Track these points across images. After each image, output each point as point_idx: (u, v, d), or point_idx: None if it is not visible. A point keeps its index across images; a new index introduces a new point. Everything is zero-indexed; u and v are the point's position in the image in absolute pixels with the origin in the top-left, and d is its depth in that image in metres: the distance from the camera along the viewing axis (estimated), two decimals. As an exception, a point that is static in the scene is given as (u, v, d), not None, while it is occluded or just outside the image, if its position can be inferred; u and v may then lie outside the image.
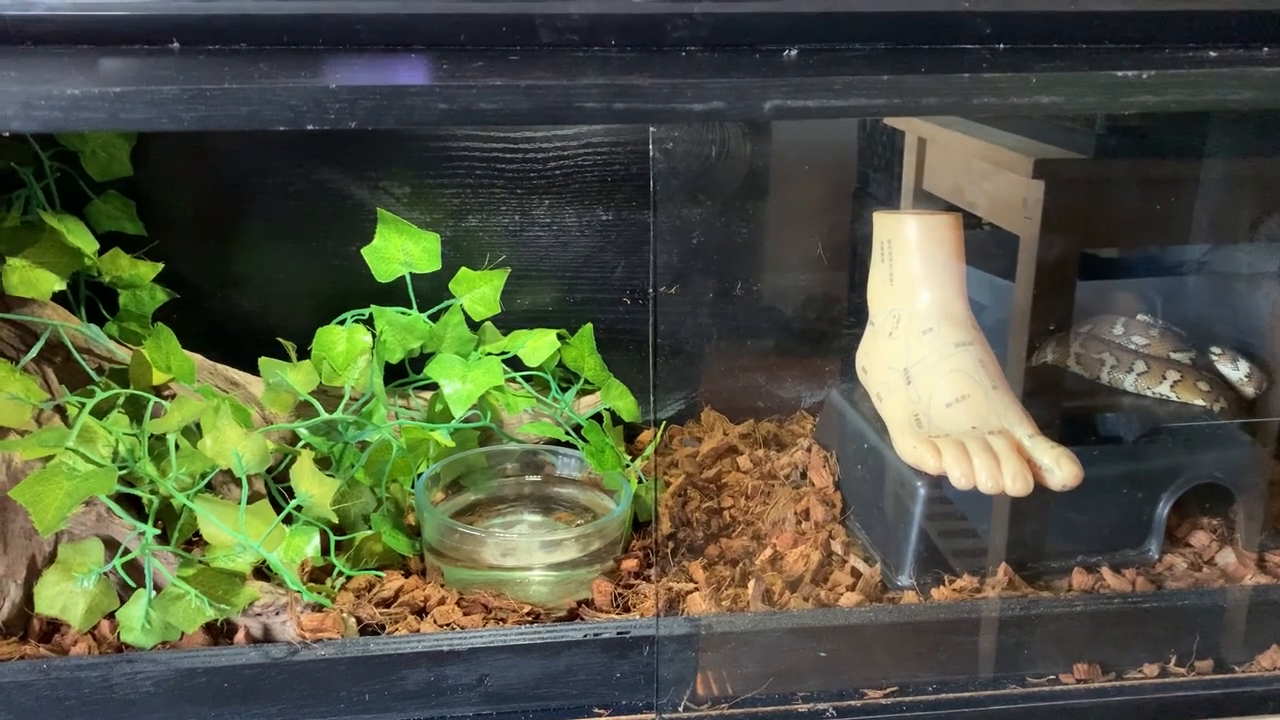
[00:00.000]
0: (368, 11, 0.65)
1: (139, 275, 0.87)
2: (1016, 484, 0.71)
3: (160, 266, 0.87)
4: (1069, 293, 0.93)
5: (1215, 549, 0.81)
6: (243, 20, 0.65)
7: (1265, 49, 0.68)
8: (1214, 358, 0.87)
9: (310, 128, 0.55)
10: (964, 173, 1.01)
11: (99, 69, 0.62)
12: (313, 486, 0.70)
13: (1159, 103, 0.59)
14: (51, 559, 0.72)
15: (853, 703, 0.70)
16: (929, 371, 0.79)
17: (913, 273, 0.82)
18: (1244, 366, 0.86)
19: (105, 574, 0.71)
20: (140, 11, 0.64)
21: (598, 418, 0.90)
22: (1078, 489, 0.72)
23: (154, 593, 0.70)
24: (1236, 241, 0.97)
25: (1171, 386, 0.86)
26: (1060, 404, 0.90)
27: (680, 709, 0.69)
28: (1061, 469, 0.72)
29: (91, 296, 0.88)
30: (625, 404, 0.91)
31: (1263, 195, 0.94)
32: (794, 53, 0.66)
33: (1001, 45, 0.69)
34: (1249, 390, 0.86)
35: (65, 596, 0.70)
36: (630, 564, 0.79)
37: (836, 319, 1.00)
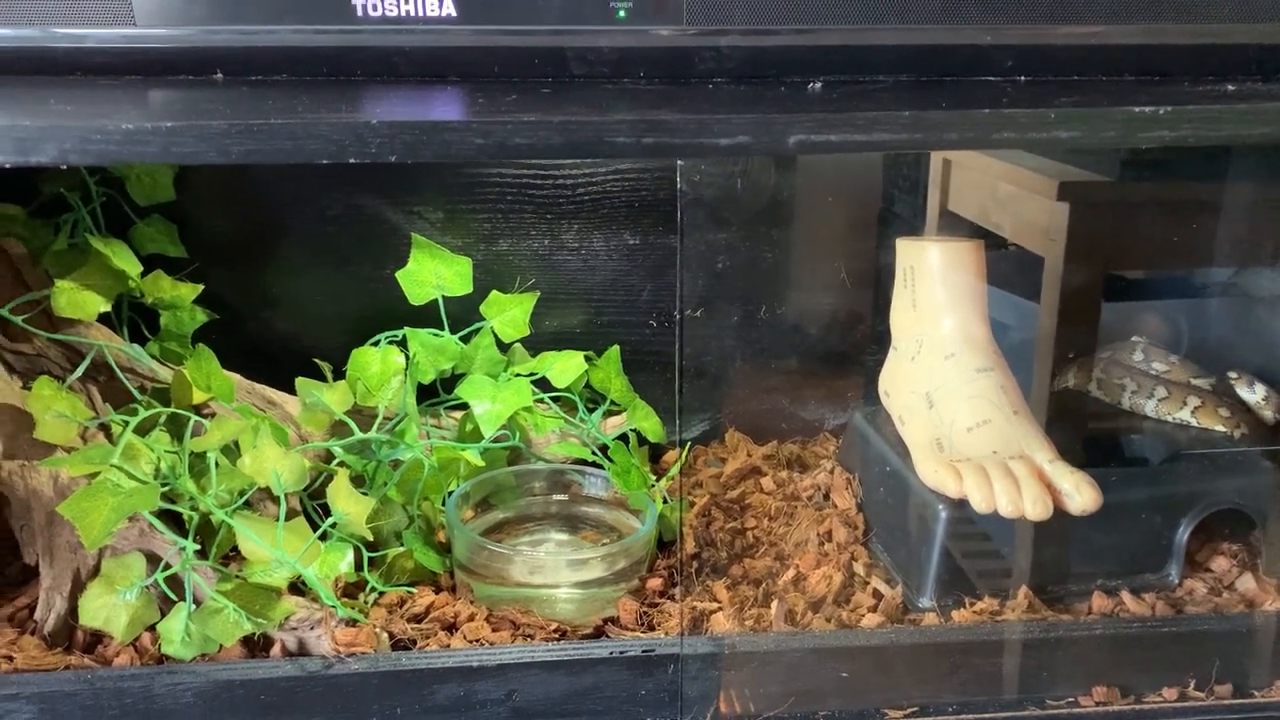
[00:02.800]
0: (404, 45, 0.68)
1: (180, 297, 0.90)
2: (1036, 509, 0.72)
3: (200, 288, 0.90)
4: (1094, 315, 0.94)
5: (1235, 574, 0.82)
6: (283, 52, 0.68)
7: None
8: (1231, 381, 0.88)
9: (351, 160, 0.57)
10: (989, 195, 1.02)
11: (148, 100, 0.65)
12: (349, 505, 0.73)
13: (1175, 138, 0.60)
14: (95, 573, 0.75)
15: (874, 722, 0.71)
16: (951, 396, 0.80)
17: (935, 298, 0.84)
18: (1260, 389, 0.87)
19: (147, 588, 0.73)
20: (186, 44, 0.67)
21: (623, 438, 0.92)
22: (1098, 513, 0.74)
23: (194, 606, 0.72)
24: (1259, 265, 0.98)
25: (1192, 412, 0.87)
26: (1082, 428, 0.91)
27: (704, 727, 0.71)
28: (1081, 494, 0.73)
29: (134, 317, 0.91)
30: (650, 425, 0.93)
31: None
32: (819, 85, 0.68)
33: (1023, 78, 0.70)
34: (1268, 414, 0.87)
35: (108, 609, 0.73)
36: (655, 583, 0.80)
37: (859, 342, 1.01)
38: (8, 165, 0.55)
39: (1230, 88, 0.67)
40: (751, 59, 0.69)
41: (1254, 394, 0.87)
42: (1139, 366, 0.91)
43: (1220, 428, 0.86)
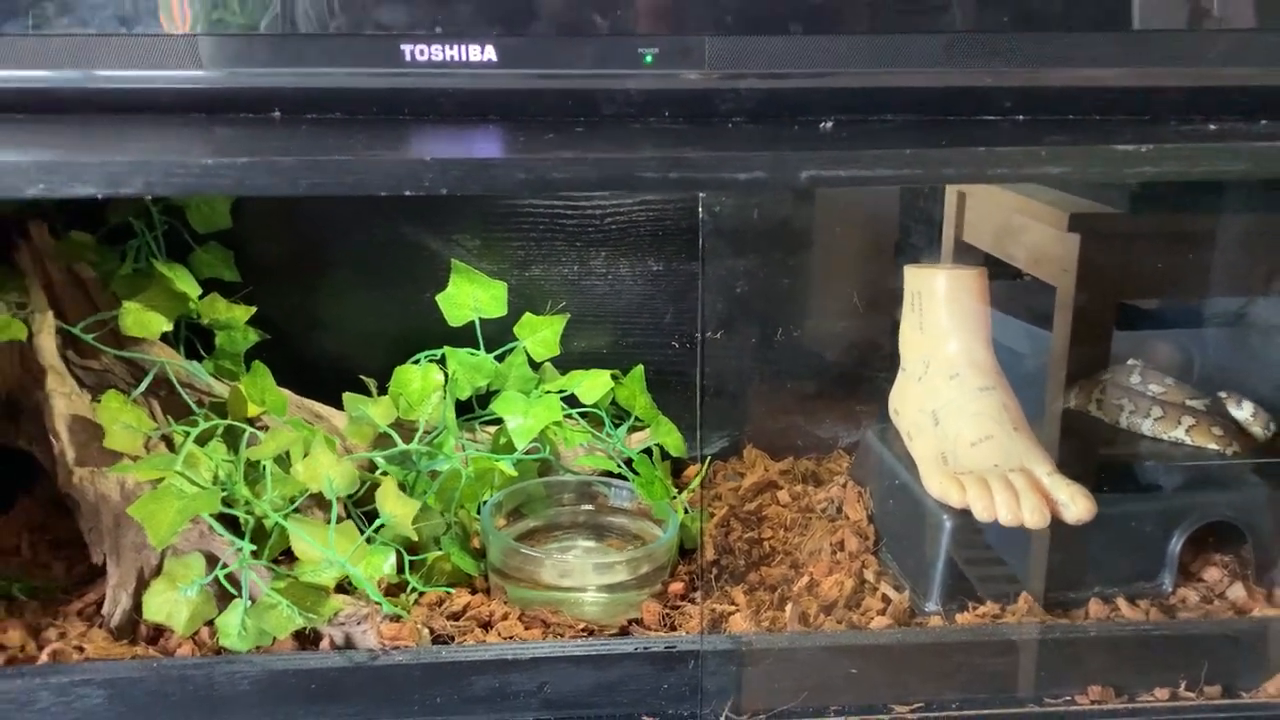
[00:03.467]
0: (448, 87, 0.74)
1: (234, 318, 0.96)
2: (1034, 517, 0.77)
3: (253, 310, 0.96)
4: (1105, 342, 0.99)
5: (1227, 584, 0.86)
6: (337, 93, 0.74)
7: (1264, 121, 0.74)
8: (1223, 400, 0.93)
9: (408, 193, 0.63)
10: (1003, 225, 1.07)
11: (215, 136, 0.71)
12: (396, 507, 0.78)
13: (1157, 173, 0.65)
14: (158, 571, 0.81)
15: (881, 717, 0.76)
16: (956, 413, 0.86)
17: (941, 322, 0.89)
18: (1249, 406, 0.91)
19: (206, 585, 0.79)
20: (246, 84, 0.73)
21: (648, 452, 0.97)
22: (1097, 524, 0.78)
23: (249, 602, 0.78)
24: (1261, 294, 1.02)
25: (1187, 431, 0.92)
26: (1082, 446, 0.96)
27: (722, 719, 0.75)
28: (1076, 504, 0.78)
29: (190, 337, 0.97)
30: (673, 440, 0.99)
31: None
32: (830, 124, 0.74)
33: (1021, 117, 0.76)
34: (1257, 430, 0.91)
35: (170, 605, 0.79)
36: (677, 587, 0.86)
37: (873, 365, 1.07)
38: (101, 196, 0.61)
39: (1213, 127, 0.72)
40: (768, 100, 0.75)
41: (1243, 411, 0.92)
42: (1136, 388, 0.96)
43: (1214, 445, 0.91)
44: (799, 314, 1.07)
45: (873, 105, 0.76)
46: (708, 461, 1.04)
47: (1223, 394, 0.94)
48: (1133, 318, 1.07)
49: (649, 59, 0.73)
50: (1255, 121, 0.74)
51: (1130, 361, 0.98)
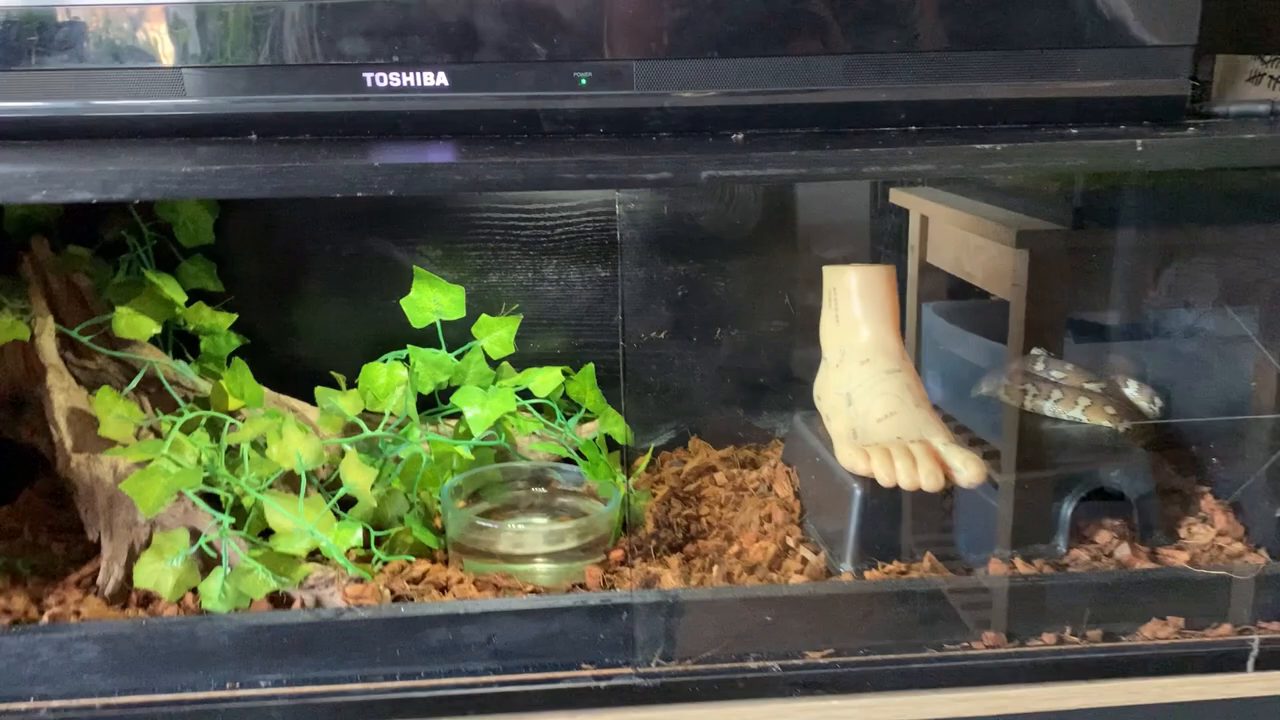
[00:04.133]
0: (405, 109, 0.84)
1: (217, 324, 1.05)
2: (930, 481, 0.86)
3: (235, 317, 1.05)
4: (1056, 351, 1.07)
5: (1115, 545, 0.95)
6: (306, 117, 0.84)
7: (1122, 126, 0.84)
8: (1117, 382, 1.02)
9: (359, 194, 0.73)
10: (961, 246, 1.16)
11: (197, 154, 0.81)
12: (357, 475, 0.88)
13: (1009, 168, 0.75)
14: (146, 545, 0.89)
15: (795, 661, 0.84)
16: (866, 393, 0.95)
17: (854, 313, 0.99)
18: (1134, 384, 1.01)
19: (190, 556, 0.88)
20: (226, 110, 0.83)
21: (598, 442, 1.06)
22: (999, 493, 0.87)
23: (228, 569, 0.87)
24: (1199, 306, 1.10)
25: (1083, 410, 1.01)
26: (992, 427, 1.06)
27: (653, 665, 0.84)
28: (968, 469, 0.87)
29: (178, 342, 1.07)
30: (619, 429, 1.08)
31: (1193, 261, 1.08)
32: (741, 136, 0.84)
33: (913, 127, 0.86)
34: (1143, 404, 1.01)
35: (158, 574, 0.87)
36: (617, 554, 0.94)
37: (807, 361, 1.16)
38: (95, 200, 0.71)
39: (1074, 130, 0.82)
40: (689, 116, 0.85)
41: (1131, 390, 1.01)
42: (1040, 374, 1.05)
43: (1106, 423, 1.00)
44: (742, 318, 1.16)
45: (781, 119, 0.86)
46: (650, 449, 1.13)
47: (1117, 377, 1.04)
48: (1088, 331, 1.14)
49: (584, 81, 0.83)
50: (1114, 126, 0.84)
51: (1035, 351, 1.08)
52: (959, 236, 1.15)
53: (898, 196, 1.18)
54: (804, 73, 0.84)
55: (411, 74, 0.83)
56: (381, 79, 0.83)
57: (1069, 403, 1.02)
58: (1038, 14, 0.83)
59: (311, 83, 0.83)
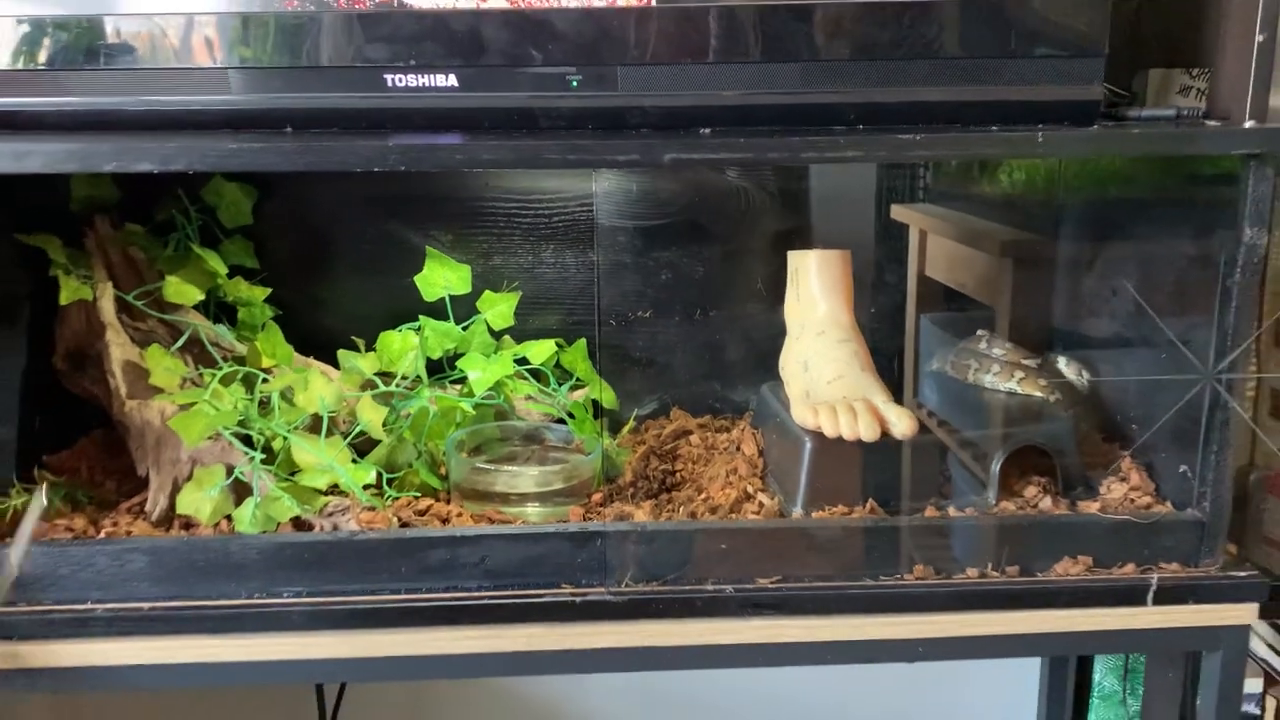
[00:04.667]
0: (421, 106, 0.97)
1: (253, 296, 1.19)
2: (868, 432, 0.98)
3: (269, 290, 1.19)
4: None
5: (1040, 498, 1.07)
6: (334, 111, 0.98)
7: (1040, 125, 0.97)
8: (1050, 358, 1.14)
9: (376, 169, 0.87)
10: (954, 258, 1.28)
11: (240, 138, 0.95)
12: (369, 413, 1.01)
13: (929, 155, 0.88)
14: (188, 478, 1.03)
15: (747, 586, 0.97)
16: (819, 359, 1.08)
17: (812, 292, 1.11)
18: (1064, 360, 1.13)
19: (225, 488, 1.01)
20: (266, 106, 0.97)
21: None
22: (937, 450, 0.99)
23: (259, 498, 1.00)
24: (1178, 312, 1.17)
25: (1018, 382, 1.13)
26: (940, 397, 1.18)
27: (623, 585, 0.97)
28: (902, 423, 0.99)
29: (218, 312, 1.21)
30: (607, 396, 1.21)
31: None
32: (708, 131, 0.97)
33: (862, 126, 0.98)
34: (1071, 376, 1.13)
35: (198, 502, 1.01)
36: (597, 497, 1.07)
37: (780, 340, 1.28)
38: (155, 171, 0.86)
39: (995, 128, 0.94)
40: (665, 115, 0.97)
41: (1062, 365, 1.13)
42: (983, 351, 1.17)
43: (1039, 394, 1.12)
44: (730, 300, 1.29)
45: (746, 118, 0.98)
46: (633, 415, 1.25)
47: (1052, 355, 1.16)
48: (1063, 337, 1.23)
49: (575, 83, 0.97)
50: (1032, 126, 0.96)
51: (979, 332, 1.20)
52: (953, 250, 1.27)
53: (899, 213, 1.30)
54: (765, 77, 0.97)
55: (426, 76, 0.96)
56: (400, 80, 0.96)
57: (1006, 376, 1.14)
58: (970, 28, 0.96)
59: (339, 82, 0.96)
